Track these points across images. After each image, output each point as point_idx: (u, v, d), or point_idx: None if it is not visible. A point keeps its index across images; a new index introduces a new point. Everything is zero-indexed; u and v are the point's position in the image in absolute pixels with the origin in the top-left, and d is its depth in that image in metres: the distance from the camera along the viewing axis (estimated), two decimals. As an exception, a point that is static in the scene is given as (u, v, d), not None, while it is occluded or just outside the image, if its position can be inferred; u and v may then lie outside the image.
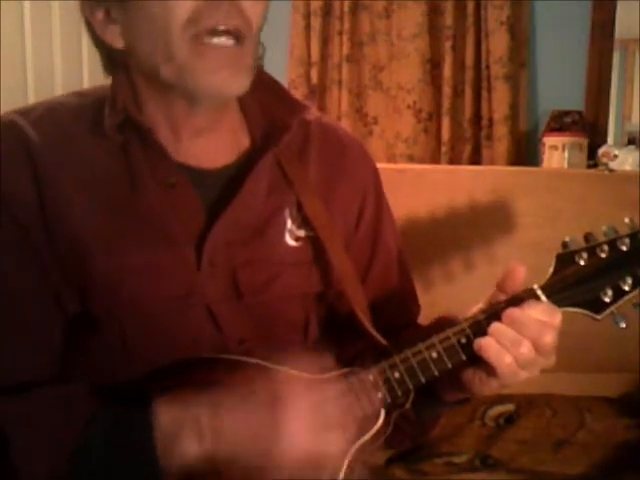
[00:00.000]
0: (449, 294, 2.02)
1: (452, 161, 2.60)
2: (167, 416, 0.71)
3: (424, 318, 0.98)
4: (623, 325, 0.77)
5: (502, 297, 0.78)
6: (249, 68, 0.78)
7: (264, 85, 0.85)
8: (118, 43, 0.79)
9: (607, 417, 1.98)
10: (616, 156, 2.35)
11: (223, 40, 0.75)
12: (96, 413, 0.73)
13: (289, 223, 0.86)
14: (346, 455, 0.75)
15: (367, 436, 0.78)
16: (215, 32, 0.74)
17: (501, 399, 2.00)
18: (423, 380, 0.78)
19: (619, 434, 1.89)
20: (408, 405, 0.81)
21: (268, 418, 0.69)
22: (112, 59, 0.82)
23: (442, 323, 0.80)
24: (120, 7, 0.77)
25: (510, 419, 1.99)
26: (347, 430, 0.74)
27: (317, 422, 0.70)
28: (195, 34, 0.74)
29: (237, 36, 0.75)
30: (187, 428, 0.70)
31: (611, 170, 2.18)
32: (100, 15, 0.78)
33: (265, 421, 0.69)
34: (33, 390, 0.74)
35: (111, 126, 0.79)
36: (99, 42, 0.81)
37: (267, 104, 0.87)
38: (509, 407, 2.02)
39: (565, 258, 0.78)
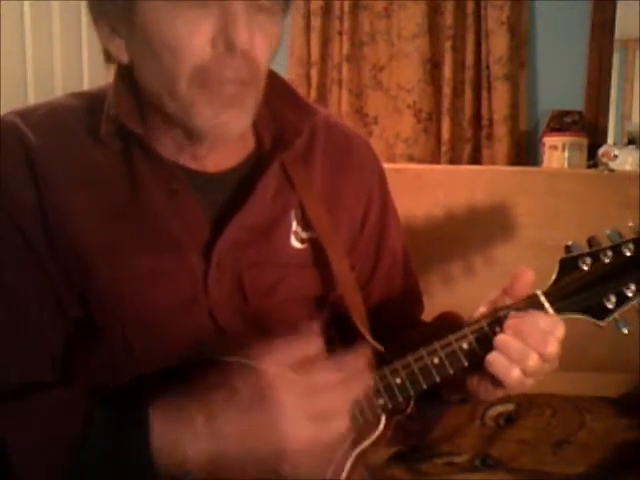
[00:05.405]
0: (448, 293, 2.02)
1: (452, 161, 2.60)
2: (163, 423, 0.70)
3: (423, 315, 0.98)
4: (626, 331, 0.76)
5: (507, 300, 0.78)
6: (253, 107, 0.77)
7: (275, 89, 0.83)
8: (123, 57, 0.76)
9: (607, 417, 1.98)
10: (616, 156, 2.34)
11: (229, 87, 0.73)
12: (93, 416, 0.73)
13: (294, 225, 0.84)
14: (348, 455, 0.74)
15: (368, 442, 0.78)
16: (223, 81, 0.73)
17: (501, 399, 2.00)
18: (424, 386, 0.77)
19: (619, 434, 1.89)
20: (409, 410, 0.81)
21: (263, 414, 0.68)
22: (117, 65, 0.79)
23: (446, 320, 0.79)
24: (125, 27, 0.74)
25: (510, 419, 1.99)
26: (345, 416, 0.72)
27: (313, 410, 0.69)
28: (202, 80, 0.72)
29: (244, 82, 0.74)
30: (183, 434, 0.69)
31: (611, 170, 2.18)
32: (105, 27, 0.75)
33: (260, 418, 0.68)
34: (31, 393, 0.73)
35: (107, 132, 0.77)
36: (105, 50, 0.78)
37: (278, 108, 0.85)
38: (509, 407, 2.02)
39: (568, 263, 0.77)
